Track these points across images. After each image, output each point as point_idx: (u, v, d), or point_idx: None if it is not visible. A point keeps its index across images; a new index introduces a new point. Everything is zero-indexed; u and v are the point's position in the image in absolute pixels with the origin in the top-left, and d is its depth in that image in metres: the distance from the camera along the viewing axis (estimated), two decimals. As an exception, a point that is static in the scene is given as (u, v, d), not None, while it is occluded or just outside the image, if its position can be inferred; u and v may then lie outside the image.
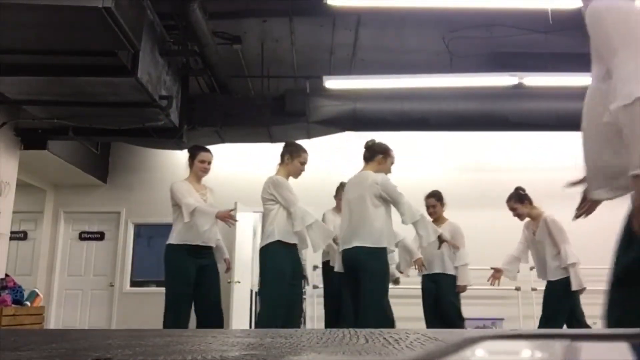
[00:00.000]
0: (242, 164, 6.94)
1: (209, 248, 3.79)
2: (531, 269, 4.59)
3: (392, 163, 3.69)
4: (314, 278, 6.07)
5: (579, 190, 1.75)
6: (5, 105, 5.11)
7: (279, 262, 3.57)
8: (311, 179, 4.22)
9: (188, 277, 3.65)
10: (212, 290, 3.73)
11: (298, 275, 3.72)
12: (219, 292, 3.78)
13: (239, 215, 4.28)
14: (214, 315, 3.70)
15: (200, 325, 3.71)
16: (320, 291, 5.68)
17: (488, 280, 4.34)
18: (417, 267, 4.12)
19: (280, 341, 1.09)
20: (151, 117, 5.05)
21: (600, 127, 1.47)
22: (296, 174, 3.77)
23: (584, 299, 4.09)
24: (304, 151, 3.79)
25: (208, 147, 4.04)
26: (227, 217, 3.60)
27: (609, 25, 1.52)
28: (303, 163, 3.75)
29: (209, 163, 3.90)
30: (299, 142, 4.03)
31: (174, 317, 3.58)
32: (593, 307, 5.95)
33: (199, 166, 3.87)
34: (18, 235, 7.03)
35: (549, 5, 4.69)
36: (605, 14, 1.54)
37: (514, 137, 6.81)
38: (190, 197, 3.69)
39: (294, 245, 3.64)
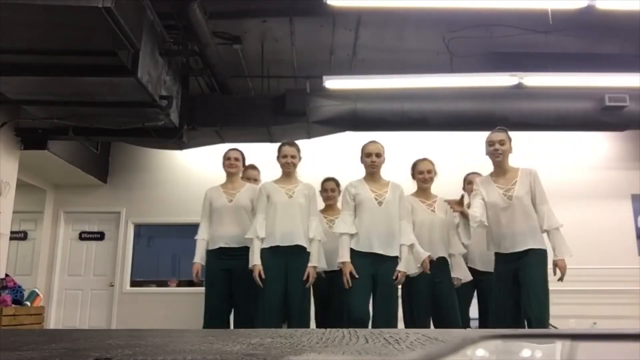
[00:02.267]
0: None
1: (236, 249, 3.74)
2: None
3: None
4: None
5: None
6: (5, 105, 5.11)
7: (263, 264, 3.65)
8: (311, 179, 4.21)
9: (210, 279, 3.77)
10: (236, 293, 3.75)
11: (281, 274, 3.60)
12: (241, 294, 3.72)
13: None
14: (236, 317, 3.78)
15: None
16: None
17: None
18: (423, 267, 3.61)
19: (280, 341, 1.09)
20: (151, 117, 5.04)
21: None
22: (283, 169, 3.84)
23: (585, 299, 4.09)
24: (282, 145, 3.90)
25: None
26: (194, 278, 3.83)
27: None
28: (284, 156, 3.81)
29: (236, 159, 3.97)
30: (300, 141, 4.04)
31: (204, 318, 3.73)
32: (594, 307, 5.96)
33: (225, 163, 3.98)
34: (18, 235, 7.03)
35: (549, 5, 4.69)
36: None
37: (514, 137, 6.78)
38: (204, 216, 3.88)
39: (277, 247, 3.62)
